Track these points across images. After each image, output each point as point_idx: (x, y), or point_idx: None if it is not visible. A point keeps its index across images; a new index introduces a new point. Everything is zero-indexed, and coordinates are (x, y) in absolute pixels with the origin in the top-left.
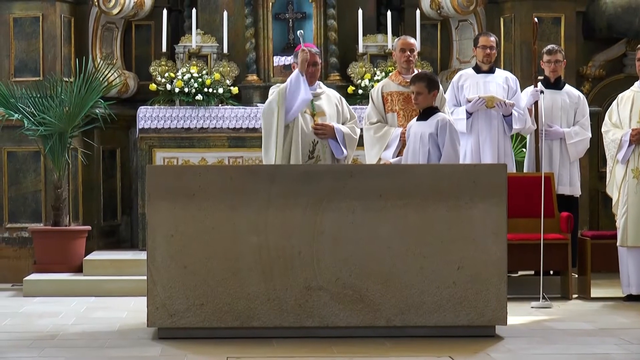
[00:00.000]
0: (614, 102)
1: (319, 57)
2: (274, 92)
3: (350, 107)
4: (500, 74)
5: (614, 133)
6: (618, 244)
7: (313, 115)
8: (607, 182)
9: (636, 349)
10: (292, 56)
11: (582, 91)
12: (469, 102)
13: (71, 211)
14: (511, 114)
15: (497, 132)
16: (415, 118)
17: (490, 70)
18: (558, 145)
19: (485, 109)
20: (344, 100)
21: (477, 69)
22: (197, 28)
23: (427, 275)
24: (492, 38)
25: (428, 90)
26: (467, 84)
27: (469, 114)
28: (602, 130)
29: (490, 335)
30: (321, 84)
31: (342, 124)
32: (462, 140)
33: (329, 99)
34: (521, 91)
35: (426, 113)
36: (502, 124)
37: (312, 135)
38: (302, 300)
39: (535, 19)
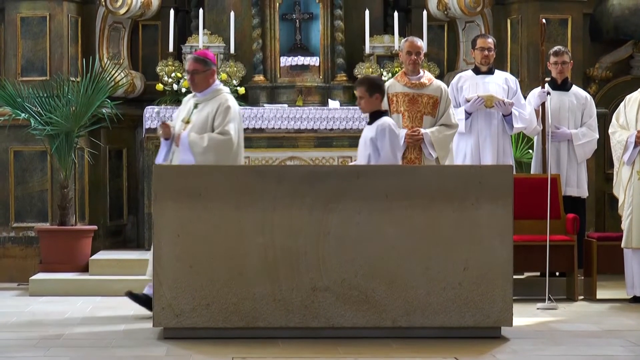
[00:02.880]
0: (622, 104)
1: (202, 63)
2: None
3: (357, 107)
4: (500, 74)
5: (620, 134)
6: (623, 245)
7: (187, 122)
8: (614, 184)
9: None
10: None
11: (589, 92)
12: (468, 102)
13: (77, 211)
14: (511, 113)
15: (497, 132)
16: (367, 123)
17: (489, 72)
18: (565, 147)
19: (484, 108)
20: (230, 105)
21: (476, 71)
22: (204, 28)
23: (432, 276)
24: (490, 40)
25: (369, 94)
26: (467, 86)
27: (468, 114)
28: (609, 131)
29: (496, 336)
30: (219, 89)
31: (212, 131)
32: (461, 141)
33: (210, 106)
34: (528, 93)
35: (372, 117)
36: (501, 124)
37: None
38: (307, 301)
39: (543, 20)
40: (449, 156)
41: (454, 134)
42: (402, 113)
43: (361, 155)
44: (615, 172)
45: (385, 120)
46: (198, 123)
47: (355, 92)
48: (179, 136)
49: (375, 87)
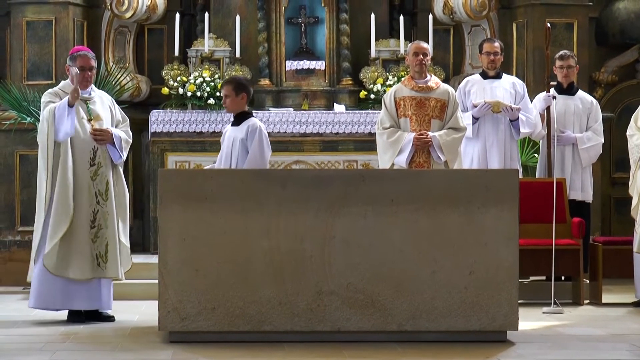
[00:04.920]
0: None
1: (94, 60)
2: (46, 103)
3: (363, 112)
4: (507, 79)
5: (637, 137)
6: (635, 250)
7: (90, 120)
8: (629, 185)
9: None
10: (71, 61)
11: (594, 97)
12: (475, 107)
13: None
14: (518, 118)
15: (504, 137)
16: (231, 123)
17: (497, 76)
18: (570, 151)
19: (491, 113)
20: (115, 102)
21: (484, 75)
22: (209, 32)
23: (438, 280)
24: (496, 44)
25: (235, 93)
26: (474, 90)
27: (475, 119)
28: (627, 133)
29: (502, 340)
30: (93, 86)
31: (115, 126)
32: (468, 145)
33: (102, 102)
34: (534, 97)
35: (238, 118)
36: (509, 129)
37: (92, 141)
38: (313, 305)
39: (548, 24)
40: (457, 159)
41: (462, 137)
42: (409, 117)
43: (226, 157)
44: (631, 174)
45: (255, 121)
46: (108, 118)
47: (222, 91)
48: (110, 134)
49: (241, 86)
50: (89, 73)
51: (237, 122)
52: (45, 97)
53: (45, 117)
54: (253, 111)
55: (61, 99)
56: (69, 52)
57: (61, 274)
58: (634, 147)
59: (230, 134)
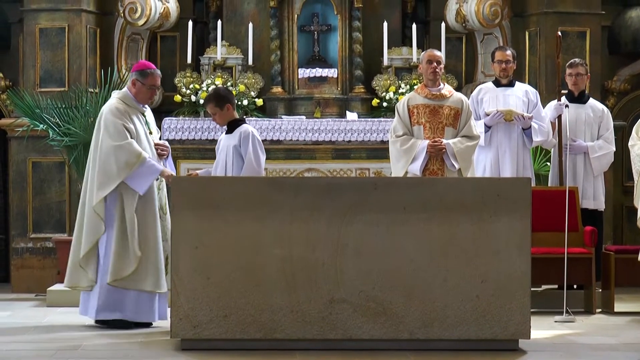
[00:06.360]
0: None
1: (159, 78)
2: (121, 126)
3: (375, 120)
4: (520, 87)
5: (639, 147)
6: None
7: (150, 133)
8: (634, 196)
9: None
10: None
11: (607, 105)
12: (488, 115)
13: None
14: (530, 126)
15: (517, 145)
16: (225, 132)
17: (510, 84)
18: (582, 159)
19: (504, 122)
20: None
21: (497, 83)
22: (222, 40)
23: (450, 288)
24: (508, 52)
25: (219, 108)
26: (487, 98)
27: (488, 128)
28: (629, 144)
29: (514, 349)
30: None
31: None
32: (481, 154)
33: (150, 116)
34: (545, 105)
35: (231, 126)
36: (521, 137)
37: (157, 156)
38: (325, 313)
39: (559, 33)
40: (470, 168)
41: (476, 145)
42: (423, 124)
43: (221, 165)
44: (635, 185)
45: (247, 127)
46: (156, 132)
47: (207, 110)
48: (169, 148)
49: (222, 99)
50: (156, 91)
51: (230, 130)
52: (115, 117)
53: (133, 155)
54: (249, 117)
55: (130, 116)
56: (137, 67)
57: (140, 288)
58: (636, 157)
59: (225, 143)
